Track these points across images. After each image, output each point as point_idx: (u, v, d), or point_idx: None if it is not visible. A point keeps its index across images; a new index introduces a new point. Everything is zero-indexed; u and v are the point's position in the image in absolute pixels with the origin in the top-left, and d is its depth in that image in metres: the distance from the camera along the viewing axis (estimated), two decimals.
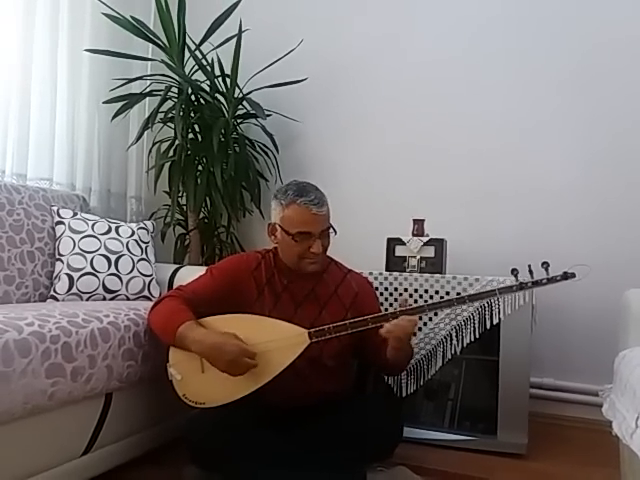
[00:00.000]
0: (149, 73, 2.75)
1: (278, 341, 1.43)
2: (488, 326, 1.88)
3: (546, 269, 1.38)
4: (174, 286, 2.05)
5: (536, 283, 1.39)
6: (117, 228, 2.09)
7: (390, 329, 1.39)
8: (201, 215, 2.68)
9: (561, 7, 2.32)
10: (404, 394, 1.96)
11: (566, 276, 1.37)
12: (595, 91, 2.27)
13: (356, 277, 1.68)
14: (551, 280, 1.37)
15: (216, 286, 1.56)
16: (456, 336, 1.92)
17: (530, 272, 1.40)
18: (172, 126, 2.52)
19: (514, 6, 2.40)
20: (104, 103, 2.50)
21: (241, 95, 2.60)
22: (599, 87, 2.26)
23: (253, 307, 1.54)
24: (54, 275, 1.95)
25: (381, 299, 2.00)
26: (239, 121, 2.71)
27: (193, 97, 2.56)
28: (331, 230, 1.54)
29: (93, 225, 2.05)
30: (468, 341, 1.90)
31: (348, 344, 1.56)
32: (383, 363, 1.55)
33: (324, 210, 1.50)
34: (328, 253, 1.64)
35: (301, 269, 1.54)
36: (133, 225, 2.17)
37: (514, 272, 1.42)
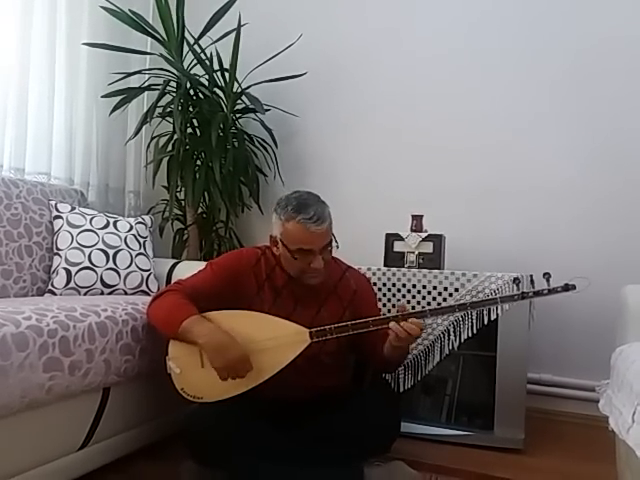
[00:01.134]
0: (147, 67, 2.74)
1: (279, 339, 1.43)
2: (486, 322, 1.88)
3: (547, 280, 1.40)
4: (172, 281, 2.05)
5: (537, 293, 1.42)
6: (115, 223, 2.08)
7: (398, 331, 1.38)
8: (199, 210, 2.68)
9: (558, 5, 2.31)
10: (402, 389, 1.96)
11: (567, 287, 1.39)
12: (593, 88, 2.26)
13: (354, 274, 1.68)
14: (552, 291, 1.40)
15: (216, 281, 1.56)
16: (454, 332, 1.91)
17: (532, 282, 1.43)
18: (170, 120, 2.52)
19: (513, 4, 2.39)
20: (102, 97, 2.49)
21: (240, 90, 2.60)
22: (597, 84, 2.25)
23: (253, 302, 1.54)
24: (52, 269, 1.95)
25: (379, 294, 2.00)
26: (238, 116, 2.70)
27: (192, 91, 2.55)
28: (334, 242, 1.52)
29: (91, 219, 2.04)
30: (466, 337, 1.90)
31: (346, 342, 1.57)
32: (379, 360, 1.56)
33: (324, 227, 1.45)
34: None
35: (302, 281, 1.53)
36: (131, 220, 2.16)
37: (516, 281, 1.46)
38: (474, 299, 1.89)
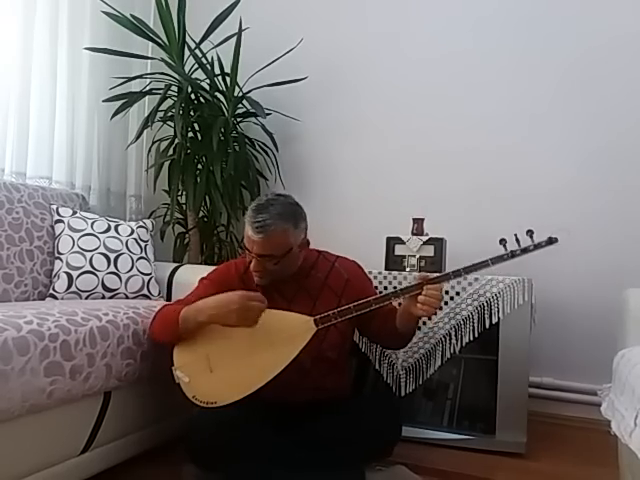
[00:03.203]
0: (149, 72, 2.74)
1: (285, 331, 1.44)
2: (487, 325, 1.88)
3: (531, 236, 1.45)
4: (173, 285, 2.07)
5: (525, 250, 1.46)
6: (116, 227, 2.09)
7: (424, 301, 1.40)
8: (200, 214, 2.68)
9: (559, 5, 2.32)
10: (403, 393, 1.96)
11: (550, 241, 1.45)
12: (593, 90, 2.26)
13: (344, 263, 1.69)
14: (537, 246, 1.45)
15: (209, 295, 1.56)
16: (455, 335, 1.91)
17: (517, 241, 1.46)
18: (172, 125, 2.52)
19: (512, 5, 2.40)
20: (104, 102, 2.50)
21: (241, 94, 2.60)
22: (597, 86, 2.26)
23: None
24: (53, 273, 1.95)
25: None
26: (239, 120, 2.70)
27: (193, 96, 2.56)
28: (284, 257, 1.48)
29: (92, 224, 2.05)
30: (467, 340, 1.90)
31: (349, 333, 1.59)
32: (390, 335, 1.58)
33: (260, 237, 1.43)
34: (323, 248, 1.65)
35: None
36: (132, 224, 2.17)
37: (502, 242, 1.48)
38: (475, 302, 1.90)
